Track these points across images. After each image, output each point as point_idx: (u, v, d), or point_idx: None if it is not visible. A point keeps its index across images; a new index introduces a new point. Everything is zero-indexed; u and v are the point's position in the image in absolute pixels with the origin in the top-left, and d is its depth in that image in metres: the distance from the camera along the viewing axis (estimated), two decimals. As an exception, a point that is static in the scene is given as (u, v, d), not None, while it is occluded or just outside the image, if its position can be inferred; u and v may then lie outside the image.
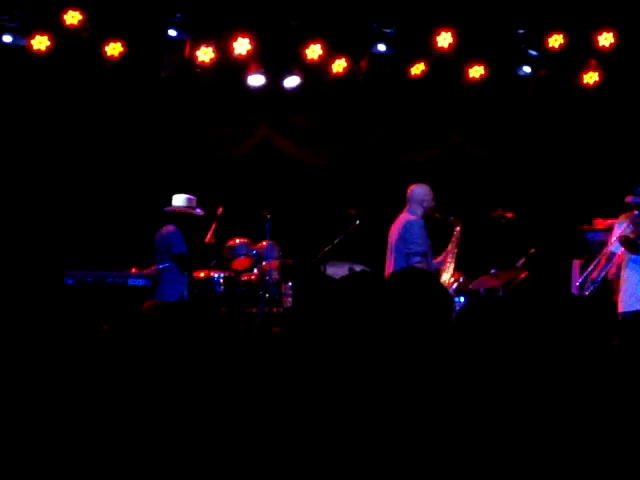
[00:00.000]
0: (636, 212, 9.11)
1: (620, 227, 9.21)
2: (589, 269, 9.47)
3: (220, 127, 11.88)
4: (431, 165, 12.26)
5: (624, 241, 9.06)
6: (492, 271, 10.21)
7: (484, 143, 12.45)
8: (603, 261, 9.41)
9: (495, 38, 11.64)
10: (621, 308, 9.20)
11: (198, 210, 10.32)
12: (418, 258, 8.95)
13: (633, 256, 9.13)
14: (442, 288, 3.77)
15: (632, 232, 9.05)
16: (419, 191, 9.40)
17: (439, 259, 9.72)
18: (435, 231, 9.57)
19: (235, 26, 11.16)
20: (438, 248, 9.72)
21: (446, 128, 12.43)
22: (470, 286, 10.26)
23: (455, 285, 9.85)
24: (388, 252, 9.31)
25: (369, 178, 12.25)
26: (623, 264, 9.27)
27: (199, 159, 11.81)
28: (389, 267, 9.22)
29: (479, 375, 3.41)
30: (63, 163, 11.42)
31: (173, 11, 10.88)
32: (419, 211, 9.28)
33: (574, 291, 10.47)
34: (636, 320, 8.86)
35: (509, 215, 10.36)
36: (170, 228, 10.08)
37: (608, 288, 9.62)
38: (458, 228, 9.87)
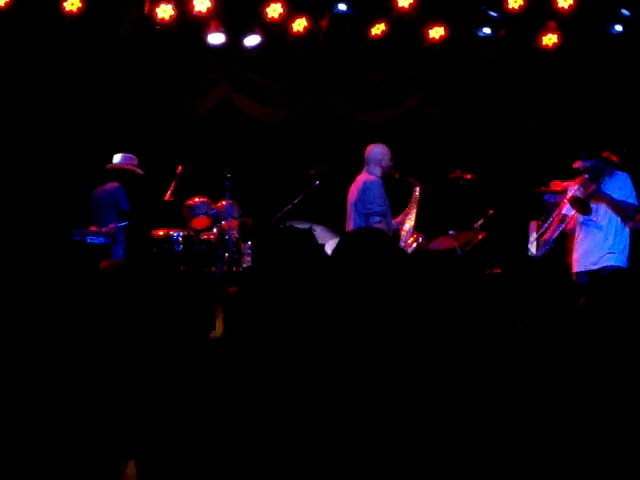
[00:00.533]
0: (586, 175, 9.22)
1: (572, 190, 9.33)
2: (541, 230, 9.59)
3: (180, 85, 11.80)
4: (391, 126, 12.26)
5: (574, 202, 9.18)
6: (451, 232, 10.26)
7: (444, 104, 12.48)
8: (555, 222, 9.54)
9: (455, -1, 11.67)
10: (575, 268, 9.33)
11: (138, 170, 10.39)
12: (378, 218, 8.97)
13: (585, 218, 9.25)
14: (397, 248, 3.76)
15: (582, 193, 9.18)
16: (377, 150, 9.40)
17: (398, 219, 9.76)
18: (394, 191, 9.59)
19: (195, -17, 11.08)
20: (397, 208, 9.76)
21: (406, 89, 12.44)
22: (428, 246, 10.31)
23: (414, 245, 9.88)
24: (348, 212, 9.33)
25: (329, 138, 12.24)
26: (576, 226, 9.40)
27: (159, 117, 11.73)
28: (349, 227, 9.24)
29: (436, 338, 3.42)
30: (21, 120, 11.29)
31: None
32: (377, 171, 9.29)
33: (531, 252, 10.58)
34: (593, 279, 8.97)
35: (468, 176, 10.40)
36: (114, 184, 10.12)
37: (561, 249, 9.74)
38: (418, 188, 9.90)
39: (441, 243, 10.38)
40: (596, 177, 9.20)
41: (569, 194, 9.32)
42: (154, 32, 11.18)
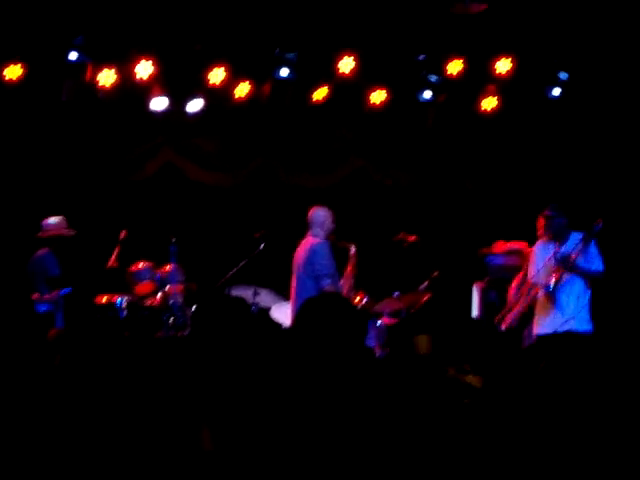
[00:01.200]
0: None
1: (546, 251, 9.26)
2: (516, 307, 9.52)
3: (123, 150, 11.78)
4: (335, 189, 12.34)
5: (563, 259, 9.13)
6: (395, 294, 10.30)
7: (386, 168, 12.58)
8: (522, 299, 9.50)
9: (396, 63, 11.78)
10: (537, 331, 9.25)
11: (67, 232, 10.34)
12: (327, 280, 8.97)
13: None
14: (357, 311, 3.79)
15: (574, 253, 9.11)
16: (320, 214, 9.43)
17: (340, 282, 9.76)
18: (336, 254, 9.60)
19: (137, 49, 11.09)
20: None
21: (349, 153, 12.53)
22: (374, 308, 10.33)
23: (360, 306, 9.90)
24: (294, 275, 9.33)
25: (273, 202, 12.27)
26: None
27: (102, 182, 11.67)
28: (296, 290, 9.22)
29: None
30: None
31: (74, 34, 10.75)
32: (321, 234, 9.31)
33: (475, 314, 10.63)
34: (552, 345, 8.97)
35: (411, 239, 10.46)
36: (42, 252, 10.08)
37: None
38: (353, 249, 9.91)
39: (387, 305, 10.41)
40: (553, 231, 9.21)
41: (540, 257, 9.27)
42: (97, 98, 11.17)
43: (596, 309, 9.27)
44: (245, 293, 10.19)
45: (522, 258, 10.03)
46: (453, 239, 12.44)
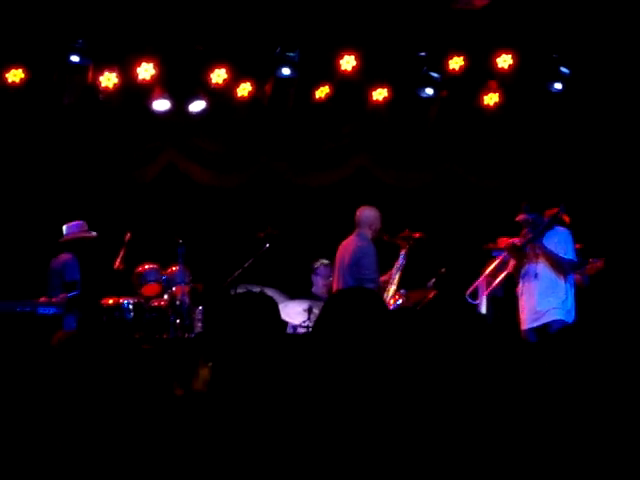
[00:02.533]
0: (528, 228, 9.32)
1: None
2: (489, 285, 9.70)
3: (126, 152, 11.76)
4: (338, 187, 12.33)
5: (511, 249, 9.29)
6: (402, 291, 10.29)
7: (390, 165, 12.56)
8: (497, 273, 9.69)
9: (397, 61, 11.79)
10: (522, 326, 9.35)
11: (89, 234, 10.35)
12: (372, 285, 9.00)
13: (526, 274, 9.33)
14: (386, 309, 3.79)
15: (519, 242, 9.29)
16: (368, 214, 9.54)
17: (383, 278, 9.79)
18: (380, 251, 9.66)
19: (139, 51, 11.10)
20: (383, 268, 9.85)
21: (351, 151, 12.50)
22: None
23: (392, 307, 9.93)
24: (337, 273, 9.43)
25: (278, 201, 12.25)
26: (519, 284, 9.46)
27: (106, 185, 11.66)
28: (339, 287, 9.26)
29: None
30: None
31: (75, 36, 10.75)
32: (368, 234, 9.41)
33: (482, 310, 10.64)
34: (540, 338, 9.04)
35: (416, 235, 10.44)
36: (65, 257, 10.08)
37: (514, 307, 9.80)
38: (403, 252, 9.92)
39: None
40: (537, 229, 9.32)
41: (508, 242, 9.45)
42: (99, 100, 11.17)
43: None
44: (251, 293, 10.16)
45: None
46: (458, 235, 12.42)
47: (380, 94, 11.87)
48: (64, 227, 10.37)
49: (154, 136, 11.89)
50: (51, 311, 9.50)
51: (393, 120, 12.24)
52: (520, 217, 9.48)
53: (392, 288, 9.76)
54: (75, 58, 10.78)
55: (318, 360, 3.53)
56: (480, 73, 11.97)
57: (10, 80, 10.70)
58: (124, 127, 11.67)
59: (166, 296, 10.39)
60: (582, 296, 9.97)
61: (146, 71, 11.07)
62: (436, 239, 10.40)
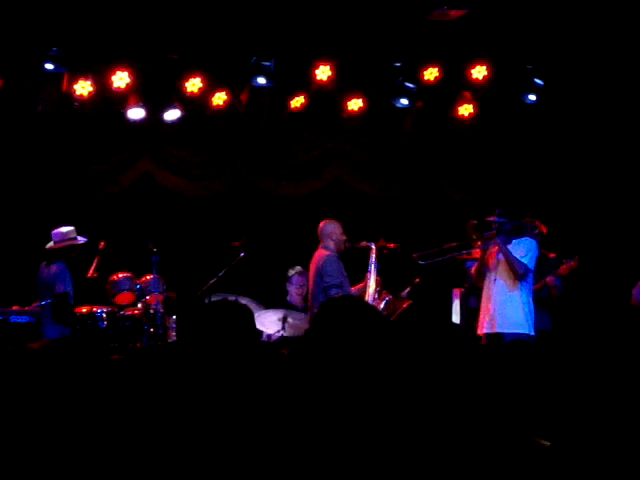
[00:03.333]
0: (494, 232, 9.38)
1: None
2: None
3: (100, 161, 11.72)
4: (313, 197, 12.34)
5: (472, 227, 9.34)
6: (386, 298, 10.30)
7: (364, 174, 12.58)
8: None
9: (373, 71, 11.82)
10: (480, 330, 9.35)
11: (80, 238, 10.29)
12: (335, 290, 9.30)
13: (484, 275, 9.38)
14: (374, 311, 3.79)
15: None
16: (327, 226, 9.78)
17: (360, 285, 9.98)
18: (354, 259, 9.93)
19: (114, 59, 11.07)
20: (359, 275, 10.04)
21: (326, 160, 12.52)
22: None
23: (382, 305, 9.98)
24: (310, 288, 9.74)
25: (253, 210, 12.25)
26: (484, 289, 9.48)
27: (80, 194, 11.61)
28: (310, 302, 9.63)
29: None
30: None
31: (50, 44, 10.72)
32: (331, 245, 9.68)
33: (456, 320, 10.68)
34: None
35: (391, 245, 10.47)
36: (58, 266, 10.01)
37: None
38: (373, 248, 10.01)
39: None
40: (504, 226, 9.37)
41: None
42: (73, 108, 11.14)
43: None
44: (225, 302, 10.15)
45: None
46: (433, 245, 12.43)
47: (355, 104, 11.90)
48: (54, 232, 10.29)
49: (129, 144, 11.86)
50: (24, 319, 9.47)
51: (368, 130, 12.27)
52: (490, 218, 9.54)
53: (371, 290, 9.83)
54: (50, 66, 10.75)
55: (309, 367, 3.54)
56: (455, 84, 12.02)
57: (-16, 87, 10.67)
58: (99, 135, 11.64)
59: (140, 305, 10.36)
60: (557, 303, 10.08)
61: (121, 79, 11.06)
62: (410, 249, 10.40)
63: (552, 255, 10.23)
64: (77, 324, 9.88)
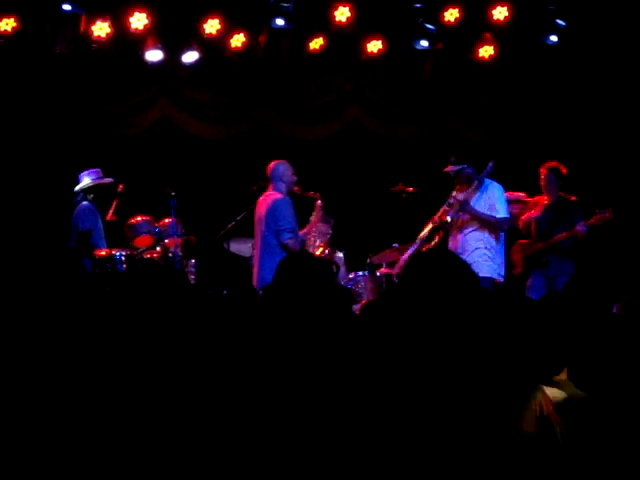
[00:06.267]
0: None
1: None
2: None
3: (118, 103, 11.67)
4: (332, 140, 12.29)
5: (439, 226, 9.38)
6: (394, 245, 10.29)
7: (383, 117, 12.50)
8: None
9: (392, 12, 11.69)
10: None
11: (106, 179, 10.34)
12: (288, 235, 9.07)
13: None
14: (321, 263, 3.81)
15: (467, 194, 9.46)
16: (278, 168, 9.49)
17: (303, 231, 9.76)
18: (299, 206, 9.63)
19: (132, 1, 10.99)
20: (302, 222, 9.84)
21: (345, 103, 12.43)
22: (373, 260, 10.32)
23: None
24: (255, 227, 9.45)
25: (271, 154, 12.16)
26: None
27: (98, 136, 11.58)
28: (260, 246, 9.31)
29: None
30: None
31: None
32: (282, 187, 9.39)
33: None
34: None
35: (410, 190, 10.45)
36: (79, 207, 10.11)
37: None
38: (319, 202, 9.93)
39: (385, 256, 10.39)
40: (464, 182, 9.48)
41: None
42: (91, 50, 11.08)
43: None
44: (243, 246, 10.17)
45: (522, 207, 10.08)
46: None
47: (375, 46, 11.78)
48: (82, 175, 10.35)
49: (147, 87, 11.80)
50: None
51: (388, 73, 12.17)
52: (448, 168, 9.53)
53: (314, 241, 9.74)
54: (67, 7, 10.68)
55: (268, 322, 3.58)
56: (475, 25, 11.89)
57: (2, 29, 10.60)
58: (117, 77, 11.57)
59: (159, 248, 10.40)
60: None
61: (139, 21, 10.98)
62: (429, 193, 10.35)
63: (573, 198, 10.08)
64: (96, 267, 9.90)
